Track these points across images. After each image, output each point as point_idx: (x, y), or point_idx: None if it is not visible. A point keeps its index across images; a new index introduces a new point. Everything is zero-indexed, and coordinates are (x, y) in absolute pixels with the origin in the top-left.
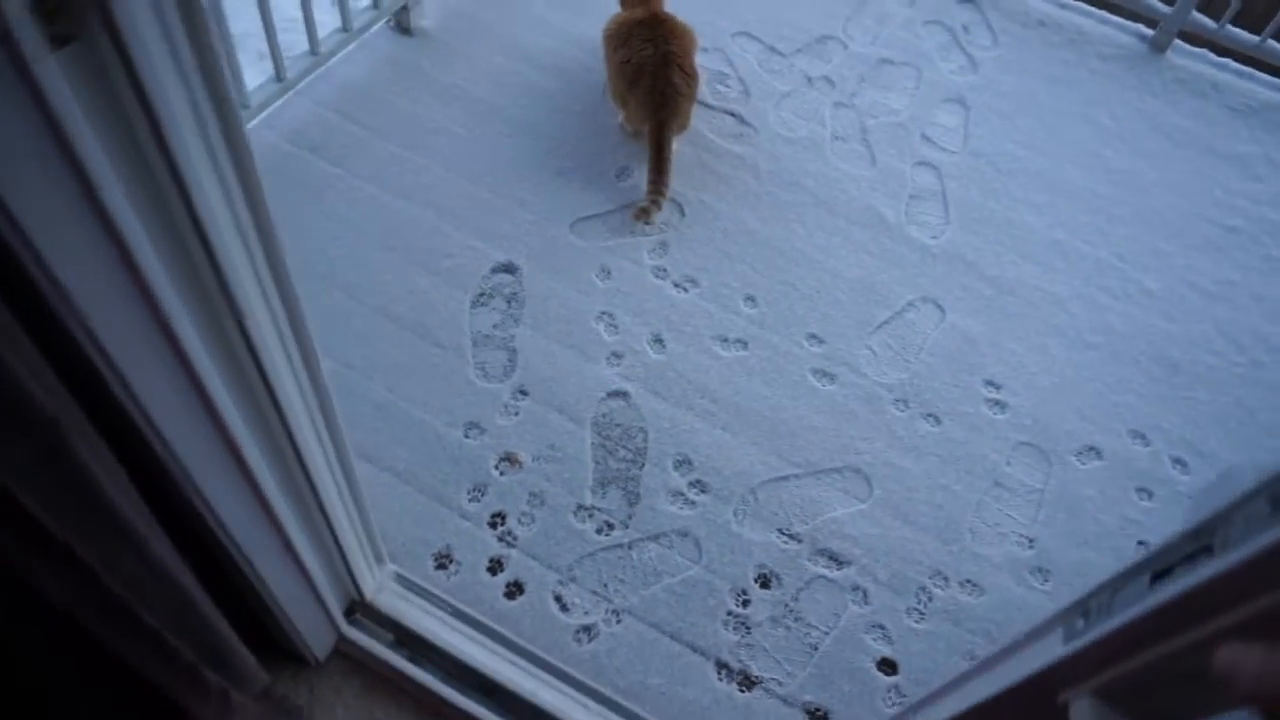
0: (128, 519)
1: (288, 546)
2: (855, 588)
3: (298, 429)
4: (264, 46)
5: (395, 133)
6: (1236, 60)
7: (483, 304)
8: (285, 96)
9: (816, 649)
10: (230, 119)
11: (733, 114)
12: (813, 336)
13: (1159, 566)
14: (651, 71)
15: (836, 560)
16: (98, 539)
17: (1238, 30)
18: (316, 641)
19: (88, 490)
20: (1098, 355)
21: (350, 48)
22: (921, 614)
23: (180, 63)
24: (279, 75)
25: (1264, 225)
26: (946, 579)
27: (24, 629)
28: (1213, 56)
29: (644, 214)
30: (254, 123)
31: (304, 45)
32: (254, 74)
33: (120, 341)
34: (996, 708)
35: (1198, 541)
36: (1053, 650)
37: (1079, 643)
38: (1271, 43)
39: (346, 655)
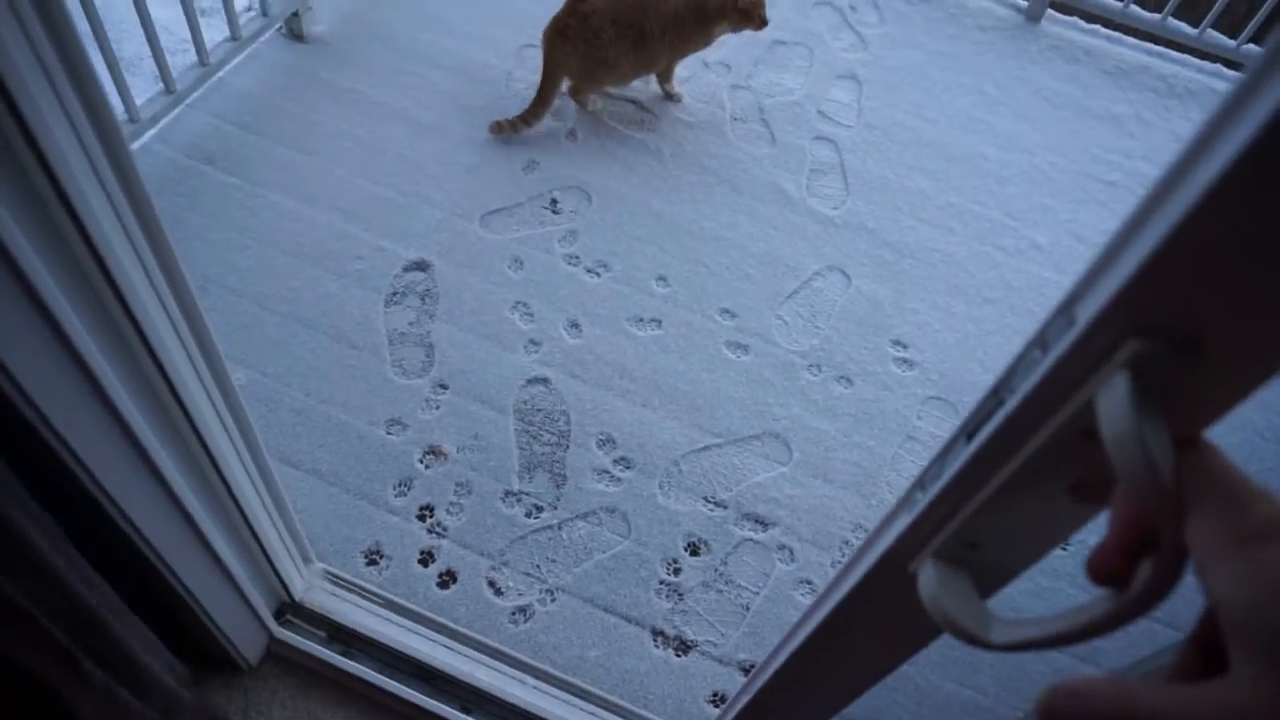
0: (20, 529)
1: (209, 553)
2: (781, 547)
3: (210, 438)
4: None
5: (294, 139)
6: (1105, 26)
7: (396, 303)
8: (177, 109)
9: (748, 609)
10: (110, 133)
11: (633, 101)
12: (725, 311)
13: (971, 428)
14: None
15: (762, 523)
16: None
17: None
18: (247, 645)
19: None
20: (995, 310)
21: (241, 57)
22: None
23: (55, 86)
24: (168, 87)
25: (1139, 178)
26: (868, 531)
27: None
28: (1083, 24)
29: (499, 127)
30: (146, 137)
31: (195, 57)
32: (145, 87)
33: (21, 358)
34: (863, 594)
35: (996, 398)
36: (901, 526)
37: (917, 511)
38: (1135, 8)
39: (279, 656)
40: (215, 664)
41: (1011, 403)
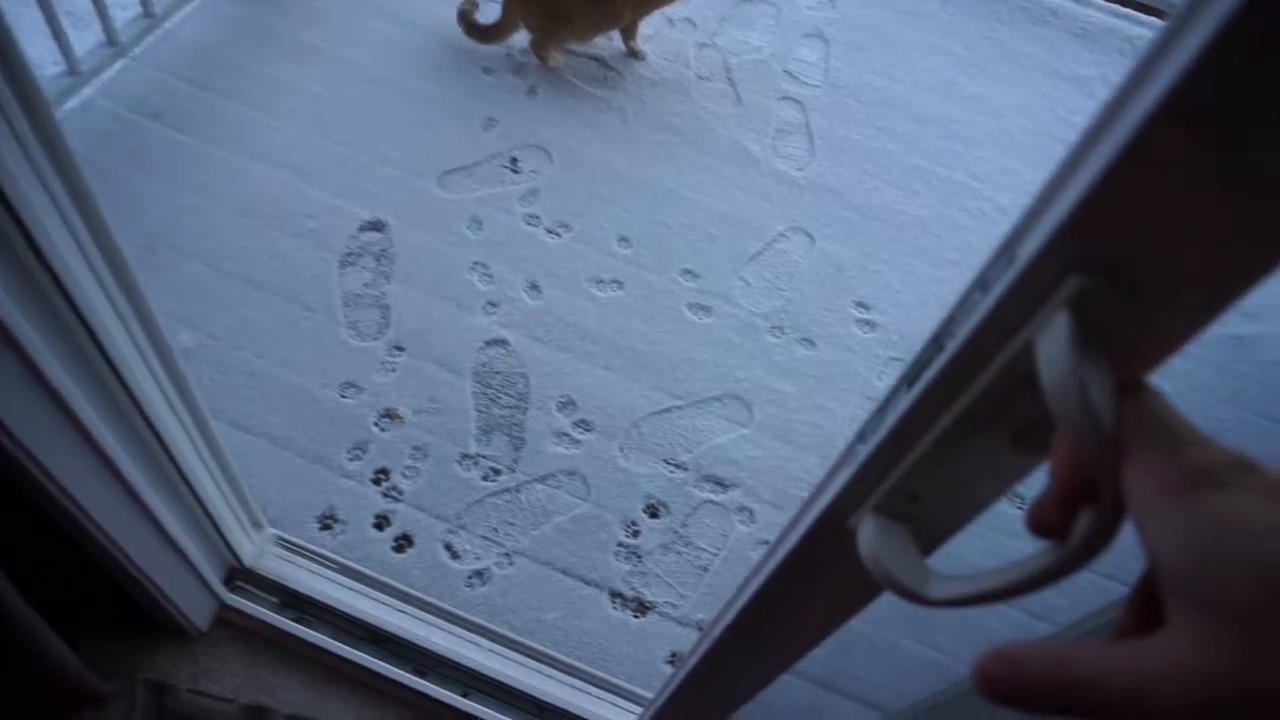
0: None
1: (151, 520)
2: (741, 509)
3: (147, 402)
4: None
5: (246, 95)
6: None
7: (351, 263)
8: (120, 62)
9: (707, 570)
10: (27, 88)
11: (596, 58)
12: (687, 272)
13: (912, 375)
14: None
15: (722, 484)
16: None
17: None
18: (196, 612)
19: None
20: (958, 271)
21: (189, 8)
22: None
23: None
24: (110, 38)
25: None
26: None
27: None
28: None
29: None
30: (87, 91)
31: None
32: (86, 39)
33: None
34: (806, 550)
35: (937, 344)
36: (842, 480)
37: (857, 464)
38: None
39: (230, 623)
40: (164, 631)
41: (952, 347)
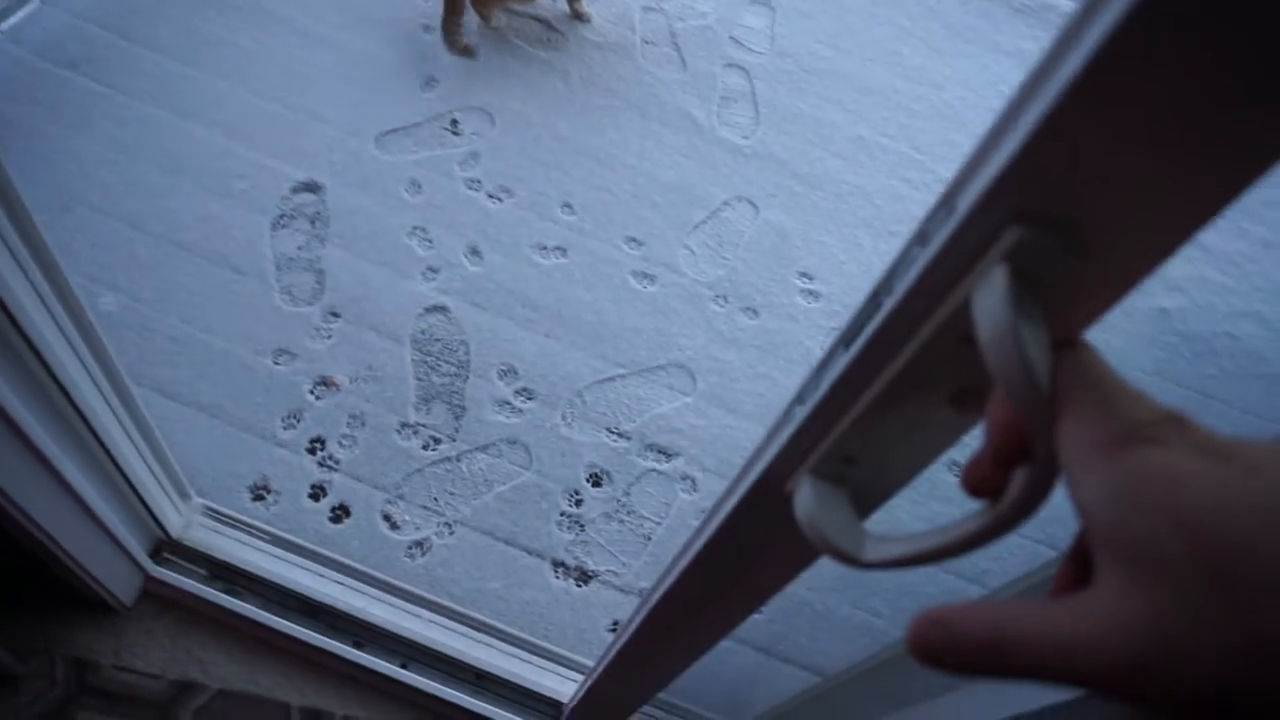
0: None
1: (68, 491)
2: (684, 477)
3: (59, 366)
4: None
5: (170, 46)
6: None
7: (284, 226)
8: (30, 5)
9: (650, 539)
10: None
11: (539, 19)
12: (631, 240)
13: (850, 335)
14: None
15: (665, 453)
16: None
17: None
18: (119, 586)
19: None
20: (900, 242)
21: None
22: None
23: None
24: None
25: None
26: None
27: None
28: None
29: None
30: None
31: None
32: None
33: None
34: (744, 513)
35: (875, 302)
36: (780, 442)
37: (795, 425)
38: None
39: (156, 596)
40: (85, 605)
41: (890, 304)
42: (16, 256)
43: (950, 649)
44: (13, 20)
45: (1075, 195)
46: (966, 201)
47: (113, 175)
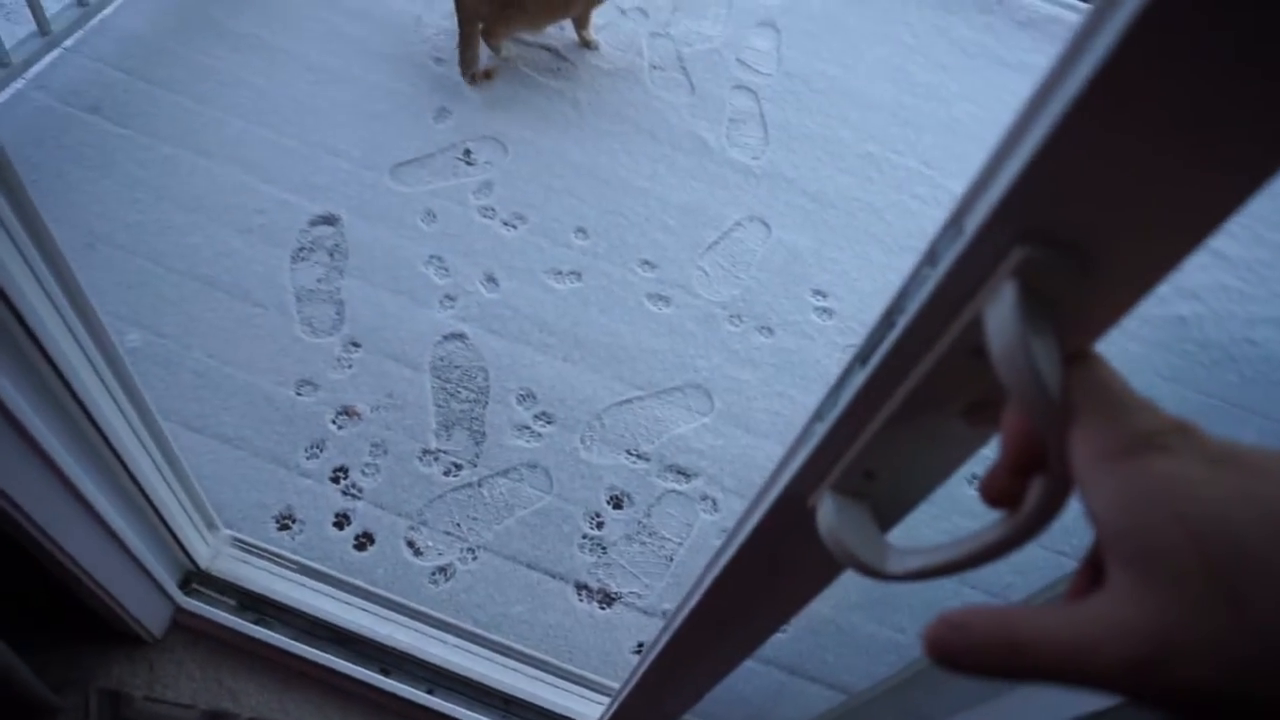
0: None
1: (100, 524)
2: (704, 497)
3: (92, 403)
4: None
5: (186, 87)
6: None
7: (303, 259)
8: (54, 53)
9: (672, 559)
10: None
11: (548, 48)
12: (645, 262)
13: (865, 353)
14: None
15: (684, 474)
16: None
17: None
18: (149, 617)
19: None
20: (912, 258)
21: None
22: None
23: None
24: (42, 29)
25: None
26: None
27: None
28: None
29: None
30: (19, 83)
31: None
32: (16, 30)
33: None
34: (767, 531)
35: (888, 321)
36: (800, 460)
37: (814, 443)
38: None
39: (186, 627)
40: (118, 637)
41: (903, 322)
42: (53, 299)
43: (966, 651)
44: (37, 68)
45: (1080, 212)
46: (974, 222)
47: (135, 214)
